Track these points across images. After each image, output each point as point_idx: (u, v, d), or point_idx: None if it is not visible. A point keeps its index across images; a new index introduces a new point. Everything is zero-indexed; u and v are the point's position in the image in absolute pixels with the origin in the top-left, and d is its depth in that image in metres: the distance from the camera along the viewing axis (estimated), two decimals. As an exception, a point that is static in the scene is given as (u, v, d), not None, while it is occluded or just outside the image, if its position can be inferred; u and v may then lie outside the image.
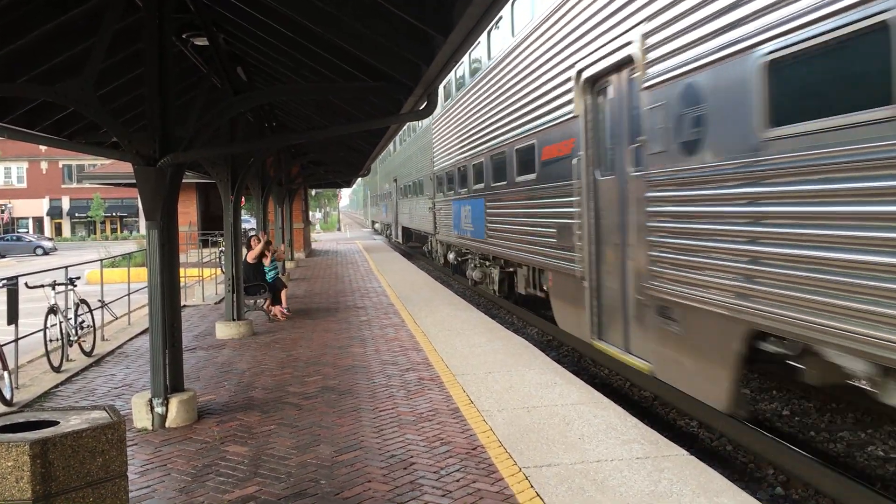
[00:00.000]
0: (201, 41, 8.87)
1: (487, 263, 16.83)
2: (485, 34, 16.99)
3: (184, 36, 8.89)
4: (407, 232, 36.69)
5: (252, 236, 14.14)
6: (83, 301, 10.56)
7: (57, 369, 9.08)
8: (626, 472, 5.15)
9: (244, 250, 13.29)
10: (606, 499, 4.69)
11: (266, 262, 13.36)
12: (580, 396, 7.18)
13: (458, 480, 5.10)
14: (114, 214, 74.32)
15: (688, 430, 7.91)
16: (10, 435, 3.58)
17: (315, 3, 6.38)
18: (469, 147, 17.41)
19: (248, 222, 36.24)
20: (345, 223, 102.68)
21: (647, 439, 5.85)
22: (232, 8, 8.04)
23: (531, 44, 11.70)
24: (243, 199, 35.06)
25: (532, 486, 4.93)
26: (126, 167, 6.67)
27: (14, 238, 55.59)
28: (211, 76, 9.43)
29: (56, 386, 8.44)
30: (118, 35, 7.52)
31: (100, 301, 11.55)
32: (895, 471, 6.47)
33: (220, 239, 18.46)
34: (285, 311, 13.14)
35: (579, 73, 9.28)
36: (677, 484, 4.90)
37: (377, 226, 61.80)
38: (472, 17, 4.68)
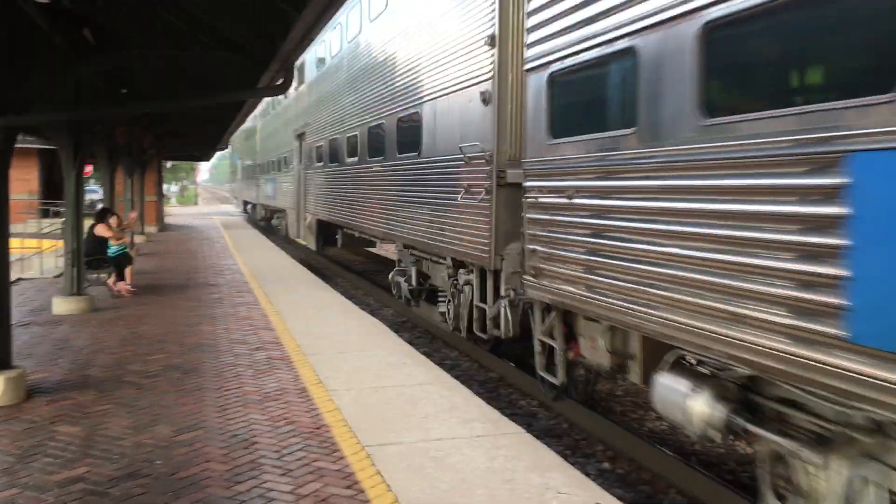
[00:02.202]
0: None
1: None
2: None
3: (23, -9, 8.30)
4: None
5: (104, 209, 13.48)
6: None
7: None
8: (465, 449, 5.32)
9: (93, 221, 12.67)
10: (444, 475, 4.83)
11: (114, 241, 12.73)
12: (428, 377, 7.32)
13: (299, 459, 5.11)
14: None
15: (528, 409, 8.24)
16: None
17: (166, -32, 6.14)
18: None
19: (97, 192, 34.38)
20: (203, 198, 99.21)
21: (489, 418, 6.05)
22: (77, -35, 7.60)
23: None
24: (90, 169, 33.33)
25: (374, 465, 5.01)
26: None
27: None
28: (54, 37, 8.87)
29: None
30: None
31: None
32: (710, 447, 7.00)
33: (63, 209, 17.46)
34: (130, 287, 12.60)
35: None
36: (512, 460, 5.11)
37: (257, 209, 38.61)
38: (324, -5, 4.66)
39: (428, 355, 9.44)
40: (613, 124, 5.69)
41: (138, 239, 22.31)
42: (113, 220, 12.85)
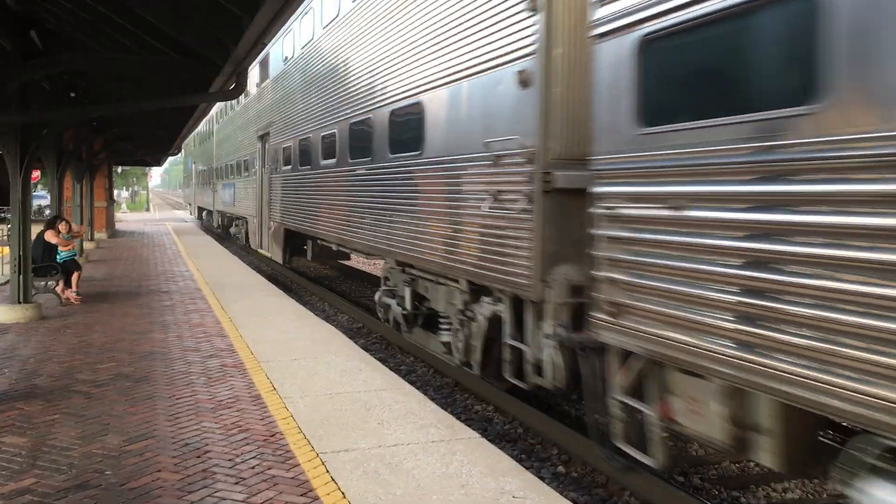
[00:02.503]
0: (-13, 0, 8.14)
1: None
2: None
3: (-34, -8, 8.13)
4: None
5: (55, 216, 13.19)
6: None
7: None
8: (420, 455, 5.32)
9: (43, 228, 12.41)
10: (399, 481, 4.83)
11: (62, 247, 12.46)
12: (384, 383, 7.31)
13: (253, 468, 5.06)
14: None
15: (484, 414, 8.27)
16: None
17: (115, -30, 6.06)
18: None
19: (45, 198, 33.60)
20: (155, 204, 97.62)
21: (444, 423, 6.06)
22: (23, -34, 7.45)
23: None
24: (38, 174, 32.55)
25: (328, 472, 4.98)
26: None
27: None
28: (-1, 38, 8.69)
29: None
30: None
31: None
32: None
33: (9, 216, 17.00)
34: (76, 295, 12.34)
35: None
36: (467, 465, 5.13)
37: (213, 216, 36.85)
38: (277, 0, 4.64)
39: (383, 361, 9.43)
40: (776, 99, 3.93)
41: (88, 245, 21.86)
42: (62, 226, 12.60)
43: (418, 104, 8.85)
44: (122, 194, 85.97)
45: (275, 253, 18.52)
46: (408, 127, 9.24)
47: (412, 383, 8.29)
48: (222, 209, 31.28)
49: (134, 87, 13.00)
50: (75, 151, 16.81)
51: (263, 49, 6.16)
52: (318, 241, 15.29)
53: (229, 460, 5.19)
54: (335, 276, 20.55)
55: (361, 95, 11.12)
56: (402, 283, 9.82)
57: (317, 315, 11.71)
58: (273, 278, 19.14)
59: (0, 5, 8.01)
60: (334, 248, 14.11)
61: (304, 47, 15.55)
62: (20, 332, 9.70)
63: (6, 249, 17.15)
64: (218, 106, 30.39)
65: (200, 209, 45.37)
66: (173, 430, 5.83)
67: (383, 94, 10.14)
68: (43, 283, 12.05)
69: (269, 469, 5.03)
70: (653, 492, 5.84)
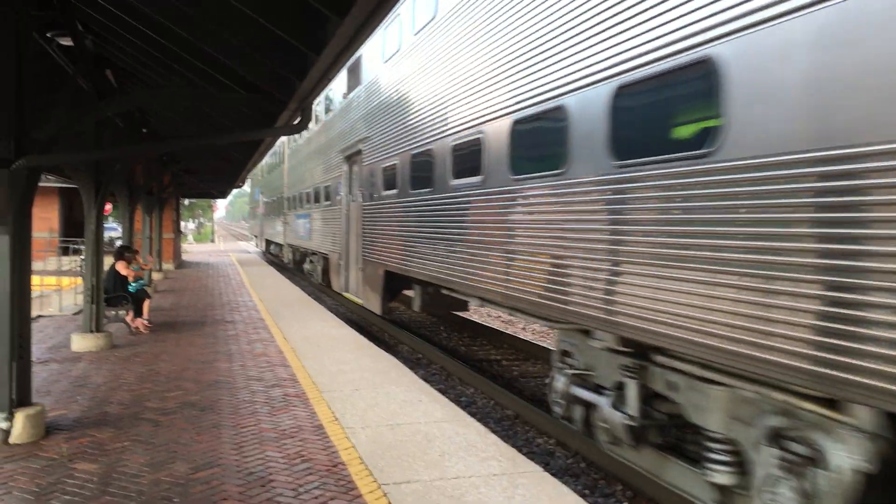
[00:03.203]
0: (66, 41, 8.52)
1: None
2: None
3: (48, 35, 8.52)
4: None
5: (123, 246, 13.63)
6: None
7: None
8: (482, 488, 5.28)
9: (109, 259, 12.80)
10: (461, 514, 4.80)
11: (130, 277, 12.84)
12: (444, 414, 7.29)
13: (316, 497, 5.09)
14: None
15: (546, 447, 8.18)
16: None
17: (185, 11, 6.29)
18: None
19: (116, 230, 34.76)
20: (220, 235, 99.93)
21: (506, 456, 6.02)
22: (99, 9, 7.79)
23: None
24: (110, 207, 33.62)
25: (390, 503, 4.98)
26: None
27: None
28: (77, 78, 9.08)
29: None
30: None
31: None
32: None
33: (83, 247, 17.59)
34: (147, 322, 12.68)
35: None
36: (530, 499, 5.07)
37: (284, 251, 33.26)
38: (343, 37, 4.76)
39: (443, 392, 9.43)
40: None
41: (156, 276, 22.47)
42: (124, 267, 12.99)
43: (709, 60, 5.00)
44: (188, 226, 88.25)
45: (370, 301, 14.82)
46: (665, 110, 5.63)
47: (472, 415, 8.26)
48: (294, 243, 28.15)
49: (201, 122, 13.41)
50: (145, 185, 17.38)
51: (328, 84, 6.32)
52: (437, 290, 12.05)
53: (293, 490, 5.23)
54: (393, 307, 20.65)
55: (545, 69, 7.25)
56: (620, 373, 6.47)
57: (377, 345, 11.78)
58: (335, 310, 19.35)
59: (78, 46, 8.38)
60: (475, 303, 10.82)
61: (420, 32, 11.64)
62: (92, 361, 9.99)
63: (79, 280, 17.77)
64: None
65: (269, 242, 42.25)
66: (238, 458, 5.91)
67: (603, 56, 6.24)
68: (114, 312, 12.41)
69: (332, 500, 5.06)
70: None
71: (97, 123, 9.91)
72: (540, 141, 7.48)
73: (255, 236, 54.96)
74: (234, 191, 58.97)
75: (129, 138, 13.27)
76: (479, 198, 8.91)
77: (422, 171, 11.33)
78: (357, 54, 14.52)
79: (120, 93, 10.62)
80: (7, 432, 6.30)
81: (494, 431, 7.42)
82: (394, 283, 13.83)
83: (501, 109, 8.24)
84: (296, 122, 7.63)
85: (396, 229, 12.83)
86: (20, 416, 6.35)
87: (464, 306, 13.74)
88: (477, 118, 9.00)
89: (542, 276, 7.23)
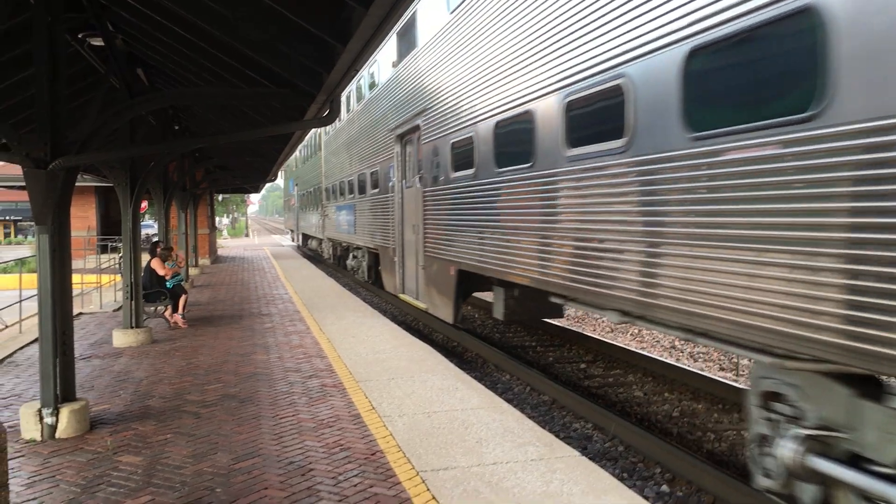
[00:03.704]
0: (98, 42, 8.64)
1: None
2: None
3: (80, 36, 8.65)
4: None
5: (155, 242, 13.83)
6: (-31, 309, 10.12)
7: (-61, 380, 8.64)
8: (520, 473, 5.29)
9: (146, 255, 12.99)
10: (500, 499, 4.82)
11: (167, 274, 13.02)
12: (480, 401, 7.31)
13: (355, 486, 5.14)
14: (7, 218, 70.84)
15: (583, 432, 8.16)
16: None
17: (213, 7, 6.34)
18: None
19: (151, 227, 35.27)
20: (254, 229, 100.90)
21: (542, 441, 6.02)
22: (129, 8, 7.88)
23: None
24: (146, 204, 34.15)
25: (428, 490, 5.01)
26: (20, 169, 6.49)
27: None
28: (109, 77, 9.21)
29: (-63, 398, 8.05)
30: (8, 34, 7.28)
31: (-12, 309, 11.06)
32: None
33: (121, 244, 17.82)
34: (183, 317, 12.86)
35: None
36: (568, 483, 5.07)
37: (323, 246, 31.18)
38: (369, 27, 4.76)
39: (479, 379, 9.45)
40: None
41: (192, 271, 22.77)
42: (165, 255, 13.18)
43: None
44: (222, 221, 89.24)
45: (436, 306, 12.57)
46: None
47: (509, 401, 8.28)
48: (335, 237, 25.65)
49: (233, 118, 13.53)
50: (179, 182, 17.58)
51: (356, 75, 6.33)
52: (525, 292, 9.92)
53: (332, 478, 5.29)
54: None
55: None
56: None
57: (412, 334, 11.83)
58: (369, 300, 19.46)
59: (109, 46, 8.49)
60: (612, 317, 7.11)
61: None
62: (133, 356, 10.17)
63: (118, 277, 18.06)
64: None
65: (306, 237, 39.50)
66: (278, 448, 5.99)
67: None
68: (153, 308, 12.61)
69: (371, 487, 5.10)
70: (763, 512, 5.59)
71: (130, 122, 10.05)
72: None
73: (291, 230, 51.87)
74: (267, 185, 59.50)
75: (162, 135, 13.43)
76: (627, 170, 6.45)
77: (515, 141, 8.80)
78: (412, 10, 13.34)
79: (152, 91, 10.75)
80: (53, 427, 6.45)
81: (531, 417, 7.43)
82: (466, 284, 11.59)
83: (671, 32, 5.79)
84: (325, 114, 7.66)
85: (474, 218, 10.37)
86: (65, 412, 6.49)
87: (556, 311, 10.25)
88: (617, 53, 6.54)
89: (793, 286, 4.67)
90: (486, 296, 13.29)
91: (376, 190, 17.44)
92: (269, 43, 6.71)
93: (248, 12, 6.27)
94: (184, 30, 7.68)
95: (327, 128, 26.61)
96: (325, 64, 6.33)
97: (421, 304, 13.58)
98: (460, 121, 10.85)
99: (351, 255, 23.41)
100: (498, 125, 9.29)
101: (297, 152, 36.41)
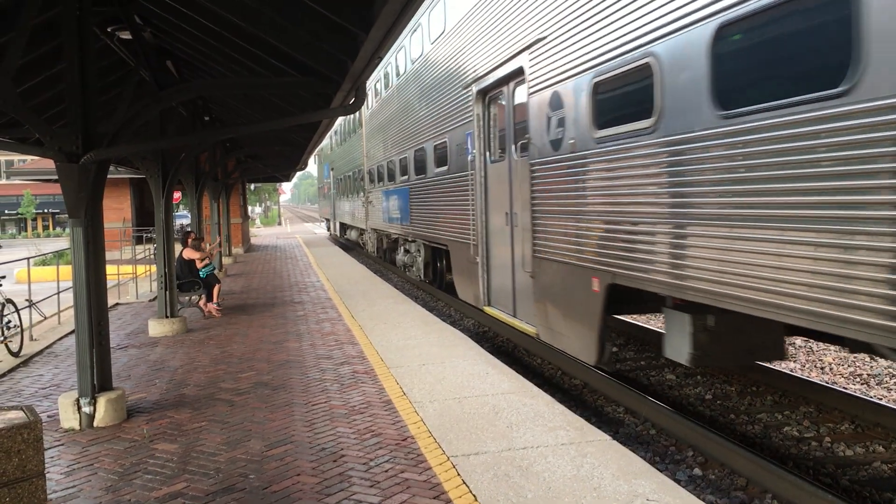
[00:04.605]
0: (126, 35, 8.73)
1: None
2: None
3: (109, 30, 8.74)
4: None
5: (188, 232, 14.01)
6: (9, 301, 10.34)
7: (-19, 371, 8.86)
8: (550, 457, 5.29)
9: (180, 246, 13.15)
10: (530, 484, 4.82)
11: (199, 264, 13.17)
12: (511, 386, 7.31)
13: (386, 471, 5.18)
14: (45, 211, 72.26)
15: (614, 416, 8.13)
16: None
17: (238, -1, 6.38)
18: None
19: (186, 217, 35.71)
20: (286, 217, 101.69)
21: (573, 426, 6.01)
22: (156, 1, 7.95)
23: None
24: (179, 195, 34.42)
25: (459, 475, 5.04)
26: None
27: (-61, 237, 53.58)
28: (139, 70, 9.30)
29: (-20, 388, 8.25)
30: (39, 29, 7.38)
31: (27, 300, 11.29)
32: (808, 450, 6.77)
33: (154, 235, 17.99)
34: (217, 306, 13.02)
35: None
36: (599, 468, 5.06)
37: (365, 238, 27.62)
38: (390, 14, 4.75)
39: (510, 364, 9.44)
40: None
41: (226, 260, 23.03)
42: (196, 244, 13.35)
43: None
44: (255, 210, 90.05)
45: (569, 337, 8.43)
46: None
47: (539, 386, 8.27)
48: (381, 227, 22.15)
49: (261, 108, 13.62)
50: (211, 172, 17.77)
51: (379, 63, 6.33)
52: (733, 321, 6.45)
53: (364, 464, 5.33)
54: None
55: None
56: None
57: (443, 320, 11.85)
58: (400, 286, 19.51)
59: (138, 39, 8.58)
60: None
61: None
62: (168, 345, 10.33)
63: (153, 267, 18.33)
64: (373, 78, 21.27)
65: (344, 227, 35.32)
66: (310, 435, 6.05)
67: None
68: (187, 297, 12.78)
69: (402, 472, 5.14)
70: (797, 494, 5.57)
71: (161, 114, 10.15)
72: None
73: (326, 219, 46.73)
74: (298, 173, 59.77)
75: (192, 127, 13.56)
76: None
77: (772, 57, 5.06)
78: None
79: (181, 82, 10.84)
80: (91, 416, 6.58)
81: (562, 402, 7.41)
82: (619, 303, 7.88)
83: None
84: (351, 101, 7.68)
85: (650, 201, 6.57)
86: (102, 401, 6.62)
87: (775, 351, 6.83)
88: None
89: None
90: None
91: (443, 168, 13.71)
92: (294, 32, 6.73)
93: (271, 1, 6.29)
94: (210, 21, 7.73)
95: (370, 98, 23.44)
96: (349, 52, 6.34)
97: (528, 328, 9.67)
98: (620, 39, 6.87)
99: (402, 250, 19.65)
100: (723, 31, 5.47)
101: (332, 133, 35.03)
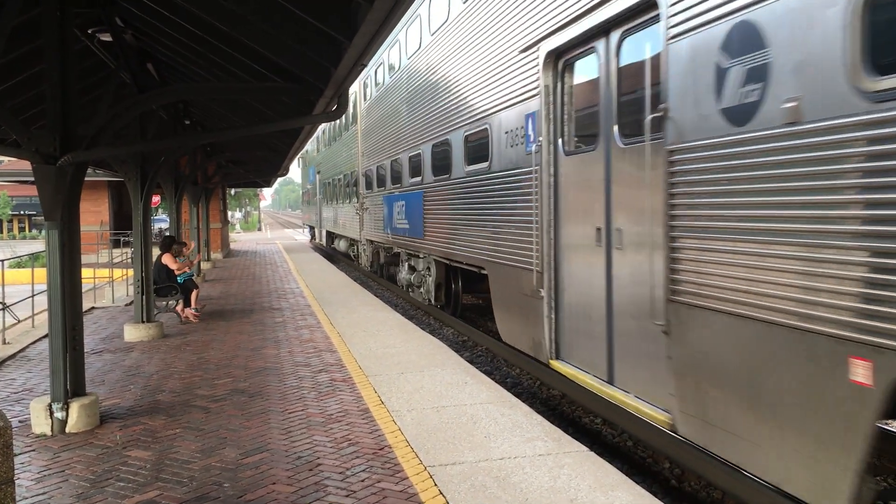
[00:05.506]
0: (107, 37, 8.66)
1: None
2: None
3: (90, 31, 8.67)
4: None
5: (168, 237, 13.89)
6: (-18, 303, 10.21)
7: (-48, 374, 8.71)
8: (527, 468, 5.28)
9: (158, 250, 13.03)
10: (507, 495, 4.80)
11: (177, 270, 13.05)
12: (489, 396, 7.30)
13: (363, 480, 5.14)
14: (22, 213, 71.48)
15: (591, 427, 8.14)
16: None
17: (221, 3, 6.34)
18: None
19: (165, 221, 35.44)
20: (266, 223, 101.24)
21: (551, 436, 6.00)
22: (138, 4, 7.90)
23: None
24: (158, 199, 34.15)
25: (436, 485, 5.01)
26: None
27: (-88, 237, 52.82)
28: (119, 73, 9.23)
29: (-50, 392, 8.11)
30: (18, 29, 7.30)
31: (1, 303, 11.14)
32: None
33: (132, 239, 17.81)
34: (195, 311, 12.91)
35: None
36: (575, 479, 5.05)
37: (358, 250, 24.57)
38: (374, 22, 4.74)
39: (489, 374, 9.44)
40: None
41: (205, 266, 22.85)
42: (178, 250, 13.25)
43: None
44: (235, 215, 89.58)
45: (779, 457, 4.98)
46: None
47: (518, 396, 8.26)
48: (382, 239, 19.22)
49: (243, 113, 13.56)
50: (191, 176, 17.64)
51: (362, 70, 6.31)
52: None
53: (340, 473, 5.29)
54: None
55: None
56: None
57: (422, 329, 11.83)
58: (380, 295, 19.45)
59: (119, 41, 8.51)
60: None
61: None
62: (144, 350, 10.21)
63: (130, 272, 18.13)
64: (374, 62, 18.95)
65: (332, 235, 32.15)
66: (286, 443, 6.00)
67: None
68: (164, 302, 12.66)
69: (379, 482, 5.10)
70: (772, 507, 5.56)
71: (140, 116, 10.08)
72: None
73: (310, 226, 43.01)
74: (279, 179, 59.52)
75: (172, 130, 13.47)
76: None
77: None
78: None
79: (162, 85, 10.77)
80: (63, 422, 6.48)
81: (540, 412, 7.40)
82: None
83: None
84: (333, 108, 7.66)
85: None
86: (75, 406, 6.52)
87: None
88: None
89: None
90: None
91: (479, 166, 10.76)
92: (277, 38, 6.71)
93: (255, 7, 6.26)
94: (192, 25, 7.69)
95: (368, 86, 20.57)
96: (332, 59, 6.33)
97: (652, 412, 6.46)
98: None
99: (406, 266, 16.68)
100: None
101: (319, 133, 34.02)
